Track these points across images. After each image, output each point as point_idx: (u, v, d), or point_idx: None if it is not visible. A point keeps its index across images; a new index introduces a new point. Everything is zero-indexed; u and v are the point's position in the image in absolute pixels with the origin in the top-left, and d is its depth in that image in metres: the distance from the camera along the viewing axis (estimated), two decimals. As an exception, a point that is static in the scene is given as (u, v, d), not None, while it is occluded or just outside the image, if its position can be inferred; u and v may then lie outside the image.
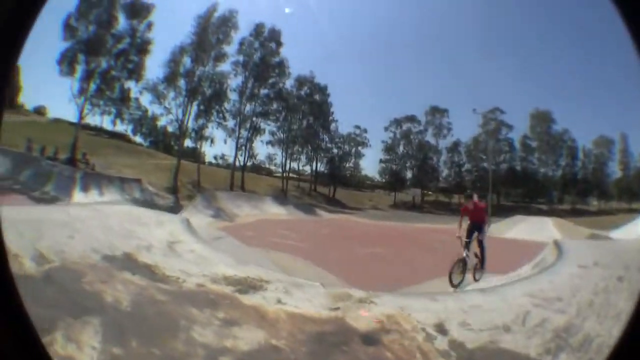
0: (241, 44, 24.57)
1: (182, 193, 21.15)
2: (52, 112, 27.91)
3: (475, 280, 7.78)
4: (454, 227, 7.87)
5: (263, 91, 25.53)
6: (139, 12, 22.57)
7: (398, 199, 29.40)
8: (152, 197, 19.31)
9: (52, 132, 22.44)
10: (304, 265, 9.12)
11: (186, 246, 6.47)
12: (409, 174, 29.70)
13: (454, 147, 29.08)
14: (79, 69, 21.59)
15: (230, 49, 24.06)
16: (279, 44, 25.46)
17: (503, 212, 23.93)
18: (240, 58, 24.63)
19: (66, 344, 2.97)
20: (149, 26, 22.70)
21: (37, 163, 18.51)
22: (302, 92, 27.19)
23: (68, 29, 21.18)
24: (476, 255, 7.95)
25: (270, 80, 25.56)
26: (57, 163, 19.34)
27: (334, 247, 13.24)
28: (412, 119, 29.01)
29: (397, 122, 29.13)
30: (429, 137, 29.19)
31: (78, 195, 16.59)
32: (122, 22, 22.36)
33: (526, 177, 28.34)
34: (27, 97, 26.04)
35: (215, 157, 28.84)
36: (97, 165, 20.78)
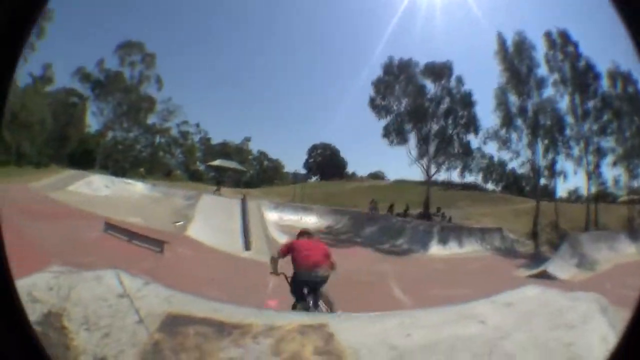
0: (547, 61, 22.07)
1: (542, 238, 19.91)
2: (390, 175, 30.76)
3: None
4: None
5: (589, 104, 21.68)
6: (440, 73, 23.41)
7: None
8: (512, 244, 18.32)
9: (395, 192, 24.87)
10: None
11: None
12: None
13: None
14: (410, 137, 23.49)
15: (541, 70, 22.11)
16: (574, 45, 21.54)
17: None
18: (555, 75, 21.96)
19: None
20: (460, 80, 23.49)
21: (385, 220, 19.99)
22: (616, 89, 21.70)
23: (377, 108, 24.00)
24: None
25: (591, 88, 21.52)
26: (409, 219, 20.70)
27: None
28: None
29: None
30: None
31: (436, 248, 17.01)
32: (430, 86, 23.86)
33: None
34: (357, 166, 30.22)
35: (569, 193, 26.02)
36: (454, 217, 21.29)
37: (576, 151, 22.03)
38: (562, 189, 27.71)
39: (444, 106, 23.43)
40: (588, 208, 21.85)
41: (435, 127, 23.42)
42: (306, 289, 4.96)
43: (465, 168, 24.95)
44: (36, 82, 22.68)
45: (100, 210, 13.52)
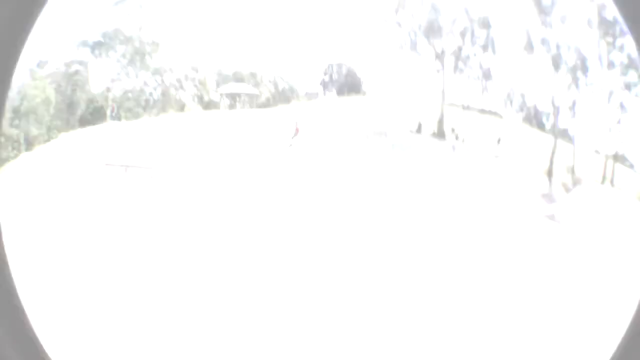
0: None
1: (557, 178, 19.55)
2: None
3: None
4: None
5: (615, 56, 19.05)
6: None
7: None
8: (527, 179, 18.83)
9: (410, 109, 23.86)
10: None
11: None
12: None
13: None
14: (426, 53, 22.69)
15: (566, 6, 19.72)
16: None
17: None
18: (580, 14, 19.60)
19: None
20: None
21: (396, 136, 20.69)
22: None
23: (390, 23, 22.87)
24: None
25: (617, 41, 18.78)
26: (421, 136, 21.54)
27: None
28: None
29: None
30: None
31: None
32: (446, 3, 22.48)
33: None
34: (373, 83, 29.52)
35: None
36: (470, 139, 21.40)
37: (599, 99, 19.95)
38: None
39: (460, 24, 22.52)
40: (605, 164, 20.30)
41: (451, 45, 22.68)
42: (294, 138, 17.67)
43: (485, 91, 24.64)
44: (32, 71, 21.85)
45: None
